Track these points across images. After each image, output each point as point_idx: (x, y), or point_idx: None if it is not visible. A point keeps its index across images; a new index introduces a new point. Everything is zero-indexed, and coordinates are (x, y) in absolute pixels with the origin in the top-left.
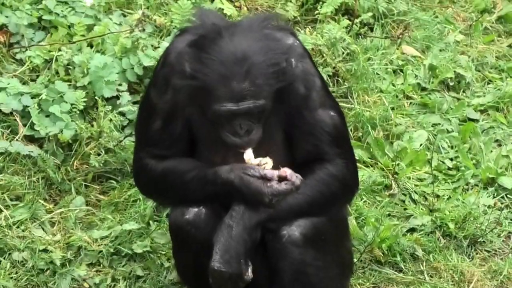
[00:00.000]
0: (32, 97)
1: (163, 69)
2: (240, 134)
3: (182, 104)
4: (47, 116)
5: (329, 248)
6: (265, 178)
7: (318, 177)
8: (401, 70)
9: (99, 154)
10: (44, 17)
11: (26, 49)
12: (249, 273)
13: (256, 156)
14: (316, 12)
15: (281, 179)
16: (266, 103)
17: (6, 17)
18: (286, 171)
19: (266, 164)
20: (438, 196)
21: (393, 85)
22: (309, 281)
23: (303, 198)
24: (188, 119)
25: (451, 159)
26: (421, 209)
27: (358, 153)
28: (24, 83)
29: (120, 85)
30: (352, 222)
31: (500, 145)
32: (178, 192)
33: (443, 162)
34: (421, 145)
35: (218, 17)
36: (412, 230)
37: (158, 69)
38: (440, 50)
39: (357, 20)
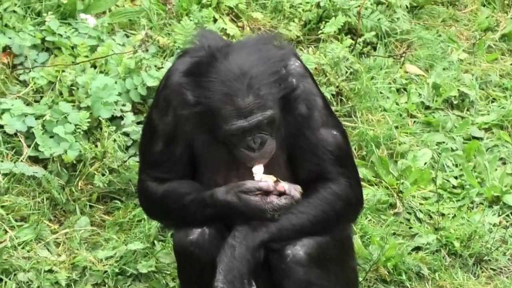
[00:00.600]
0: (36, 118)
1: (164, 91)
2: (255, 148)
3: (183, 126)
4: (51, 137)
5: (334, 267)
6: (262, 191)
7: (321, 196)
8: (405, 89)
9: (103, 175)
10: (47, 38)
11: (30, 71)
12: None
13: None
14: (319, 31)
15: (280, 193)
16: (274, 112)
17: (10, 38)
18: (284, 186)
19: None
20: (443, 215)
21: (397, 103)
22: None
23: (306, 217)
24: (189, 141)
25: (456, 178)
26: (426, 227)
27: (363, 171)
28: (28, 104)
29: (123, 105)
30: (357, 241)
31: (504, 163)
32: (178, 215)
33: (447, 181)
34: (425, 163)
35: (217, 39)
36: (417, 248)
37: (160, 90)
38: (444, 69)
39: (360, 40)
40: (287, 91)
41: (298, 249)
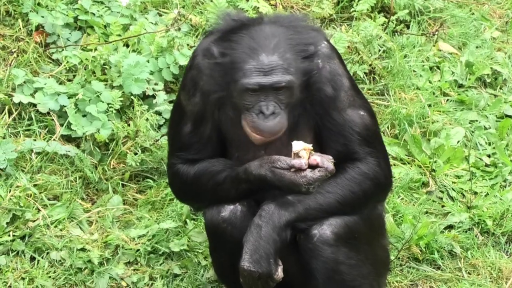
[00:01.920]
0: (69, 97)
1: (191, 71)
2: (266, 114)
3: (211, 106)
4: (84, 115)
5: (363, 246)
6: (292, 167)
7: (349, 176)
8: (438, 67)
9: (135, 153)
10: (80, 17)
11: (63, 49)
12: (279, 273)
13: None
14: (352, 9)
15: (313, 166)
16: (294, 80)
17: (42, 17)
18: (317, 159)
19: (302, 151)
20: (475, 193)
21: (430, 82)
22: (342, 279)
23: (334, 197)
24: (217, 121)
25: (489, 156)
26: (459, 206)
27: (395, 150)
28: (60, 83)
29: (156, 84)
30: (389, 219)
31: None
32: (212, 193)
33: (480, 159)
34: (458, 142)
35: (242, 15)
36: (449, 227)
37: (186, 72)
38: (477, 47)
39: (393, 18)
40: (310, 69)
41: (325, 229)
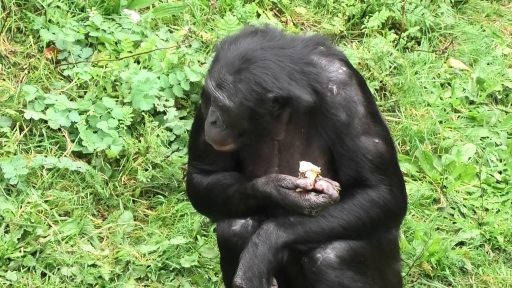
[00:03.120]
0: (80, 113)
1: None
2: (209, 119)
3: None
4: (95, 132)
5: (370, 269)
6: (300, 188)
7: (357, 202)
8: (449, 84)
9: (146, 170)
10: (91, 34)
11: (74, 66)
12: None
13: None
14: (363, 26)
15: (318, 191)
16: (234, 111)
17: (53, 33)
18: (322, 185)
19: (308, 172)
20: (487, 210)
21: (441, 98)
22: None
23: (338, 222)
24: None
25: (500, 172)
26: (470, 222)
27: (406, 166)
28: (71, 99)
29: (167, 100)
30: (400, 236)
31: None
32: (223, 206)
33: (491, 176)
34: (469, 158)
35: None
36: (461, 243)
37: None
38: (488, 64)
39: (404, 34)
40: (258, 114)
41: (329, 252)
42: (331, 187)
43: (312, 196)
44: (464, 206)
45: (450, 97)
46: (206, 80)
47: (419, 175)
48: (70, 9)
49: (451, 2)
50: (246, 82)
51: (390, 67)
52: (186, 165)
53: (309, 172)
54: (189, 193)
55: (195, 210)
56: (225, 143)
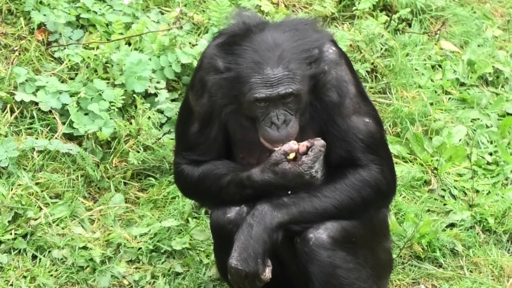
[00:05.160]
0: (71, 95)
1: (199, 72)
2: (278, 125)
3: (218, 108)
4: (86, 114)
5: (362, 249)
6: (288, 154)
7: (349, 182)
8: (440, 66)
9: (137, 152)
10: (82, 16)
11: (65, 48)
12: (267, 273)
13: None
14: (354, 8)
15: (305, 153)
16: (301, 88)
17: (44, 15)
18: (305, 143)
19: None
20: (477, 191)
21: (432, 80)
22: (340, 283)
23: (331, 202)
24: (224, 123)
25: (490, 154)
26: (461, 204)
27: (397, 148)
28: (62, 81)
29: (158, 82)
30: (391, 217)
31: None
32: (216, 196)
33: (482, 157)
34: (460, 140)
35: (254, 17)
36: (451, 225)
37: (195, 72)
38: (479, 46)
39: (395, 16)
40: (317, 73)
41: (321, 233)
42: (314, 141)
43: (303, 158)
44: (455, 187)
45: (441, 79)
46: (253, 93)
47: (410, 157)
48: None
49: None
50: (294, 57)
51: (381, 49)
52: (174, 155)
53: (290, 144)
54: (179, 184)
55: (185, 197)
56: (296, 132)
